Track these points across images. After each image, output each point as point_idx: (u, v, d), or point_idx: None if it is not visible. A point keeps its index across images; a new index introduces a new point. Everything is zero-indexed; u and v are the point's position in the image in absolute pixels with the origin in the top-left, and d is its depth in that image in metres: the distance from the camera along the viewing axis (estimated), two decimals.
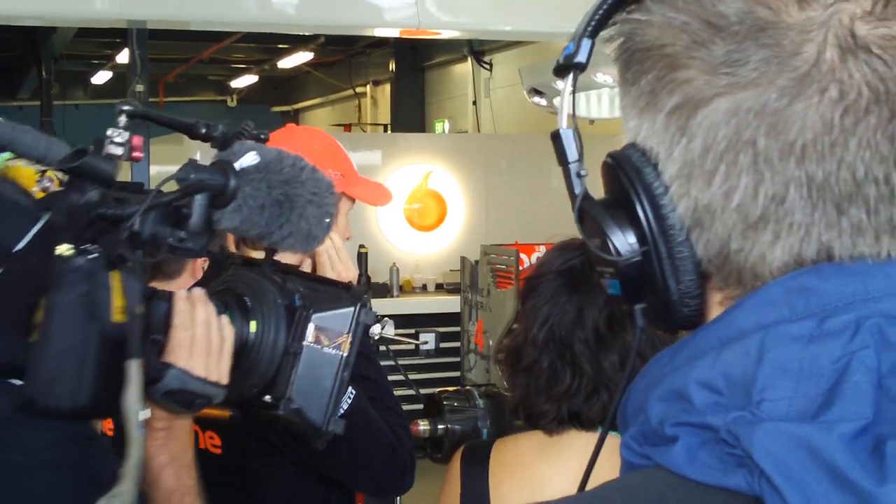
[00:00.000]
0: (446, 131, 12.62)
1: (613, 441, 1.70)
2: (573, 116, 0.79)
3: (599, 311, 1.71)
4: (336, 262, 2.24)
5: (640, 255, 0.71)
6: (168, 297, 1.48)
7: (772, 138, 0.63)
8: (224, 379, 1.48)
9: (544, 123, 10.01)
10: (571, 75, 0.79)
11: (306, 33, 10.91)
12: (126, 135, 1.34)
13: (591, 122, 7.07)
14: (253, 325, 1.51)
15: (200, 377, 1.45)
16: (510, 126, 11.03)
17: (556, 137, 0.78)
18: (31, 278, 1.32)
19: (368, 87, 15.48)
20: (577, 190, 0.78)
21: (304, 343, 1.51)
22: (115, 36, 11.25)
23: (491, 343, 6.87)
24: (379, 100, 15.38)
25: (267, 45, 13.94)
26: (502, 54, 11.27)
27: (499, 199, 9.39)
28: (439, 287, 9.00)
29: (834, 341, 0.60)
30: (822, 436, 0.55)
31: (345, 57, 14.75)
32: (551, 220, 9.23)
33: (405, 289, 8.80)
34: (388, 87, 14.64)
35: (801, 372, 0.59)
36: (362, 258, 7.19)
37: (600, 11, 0.77)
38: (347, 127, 15.18)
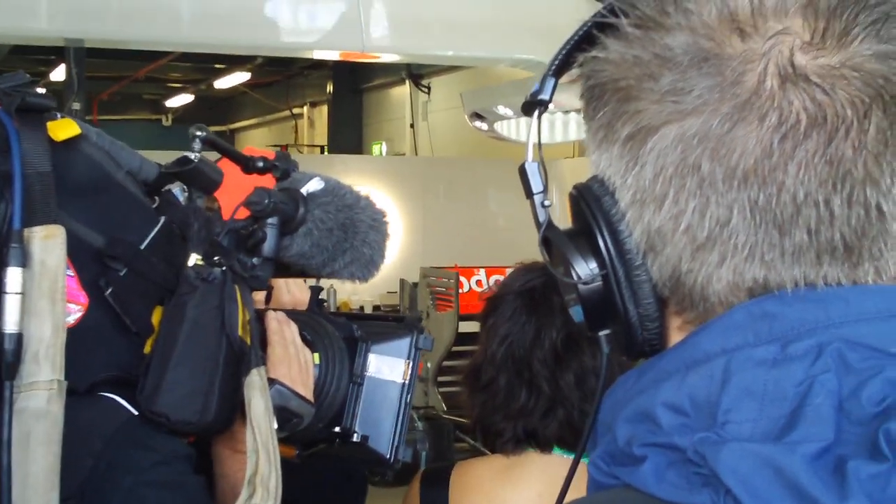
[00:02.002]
0: (384, 153, 12.63)
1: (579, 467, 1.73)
2: (539, 149, 0.81)
3: (557, 331, 1.72)
4: (291, 284, 2.24)
5: (600, 279, 0.73)
6: (258, 316, 1.44)
7: (715, 163, 0.65)
8: (313, 399, 1.45)
9: (482, 147, 10.06)
10: (537, 112, 0.81)
11: (247, 54, 10.85)
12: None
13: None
14: (316, 358, 1.50)
15: (300, 395, 1.42)
16: (448, 149, 11.07)
17: (522, 171, 0.80)
18: (150, 282, 1.30)
19: (305, 108, 15.45)
20: (542, 219, 0.79)
21: (366, 373, 1.51)
22: (49, 53, 11.12)
23: (429, 366, 6.86)
24: (316, 121, 15.35)
25: (203, 64, 13.85)
26: (441, 78, 11.31)
27: (437, 221, 9.41)
28: (377, 309, 8.98)
29: (797, 365, 0.62)
30: (786, 456, 0.57)
31: (282, 78, 14.70)
32: (489, 243, 9.30)
33: (342, 310, 8.74)
34: (325, 108, 14.62)
35: (766, 395, 0.61)
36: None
37: (563, 52, 0.79)
38: (284, 148, 15.08)
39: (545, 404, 1.71)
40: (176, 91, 16.31)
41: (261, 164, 1.44)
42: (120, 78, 14.38)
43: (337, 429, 1.51)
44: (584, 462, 1.73)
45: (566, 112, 6.98)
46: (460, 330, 6.32)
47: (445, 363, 6.46)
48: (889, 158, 0.65)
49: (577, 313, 0.78)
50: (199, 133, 1.35)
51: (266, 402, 1.27)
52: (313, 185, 1.44)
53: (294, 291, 2.21)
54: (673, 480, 0.62)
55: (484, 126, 7.77)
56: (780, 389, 0.61)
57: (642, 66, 0.69)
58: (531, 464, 1.76)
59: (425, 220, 9.49)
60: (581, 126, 7.49)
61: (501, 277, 6.00)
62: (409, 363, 1.53)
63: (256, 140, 17.42)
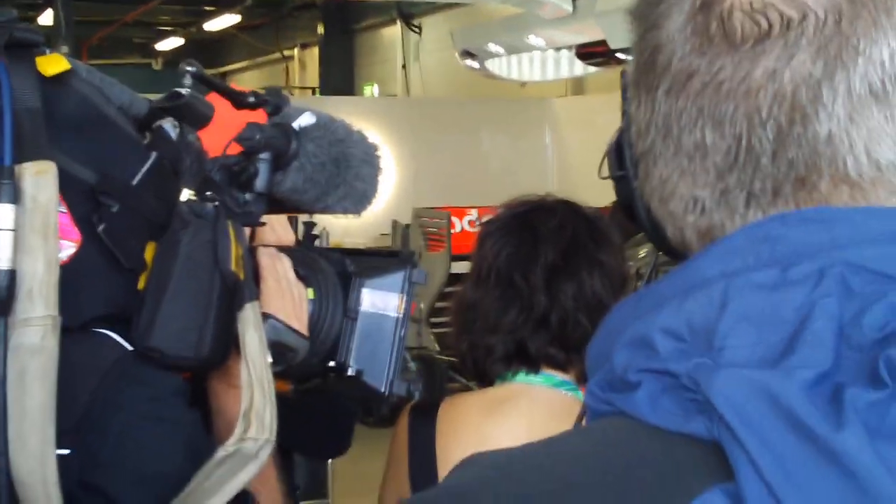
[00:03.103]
0: (375, 95, 12.58)
1: (564, 399, 1.75)
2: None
3: (554, 249, 1.76)
4: (275, 222, 2.25)
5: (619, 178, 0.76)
6: (251, 251, 1.44)
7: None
8: (307, 333, 1.46)
9: (475, 87, 10.04)
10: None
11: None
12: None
13: (523, 84, 7.12)
14: (310, 293, 1.50)
15: (293, 328, 1.43)
16: (440, 90, 11.03)
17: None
18: (142, 218, 1.30)
19: (296, 50, 15.36)
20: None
21: (360, 308, 1.52)
22: None
23: (422, 306, 6.89)
24: (307, 63, 15.26)
25: (193, 6, 13.75)
26: (431, 17, 11.24)
27: (429, 162, 9.40)
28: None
29: (797, 289, 0.60)
30: (781, 382, 0.55)
31: (272, 19, 14.59)
32: (481, 183, 9.29)
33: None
34: (316, 50, 14.53)
35: (763, 319, 0.60)
36: (292, 222, 7.14)
37: None
38: None
39: (538, 315, 1.75)
40: (166, 34, 16.19)
41: (252, 99, 1.44)
42: (109, 22, 14.27)
43: (332, 363, 1.51)
44: (576, 397, 1.76)
45: (558, 49, 6.97)
46: (452, 270, 6.35)
47: (438, 304, 6.49)
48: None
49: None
50: (189, 69, 1.35)
51: (260, 337, 1.28)
52: (305, 120, 1.44)
53: (278, 230, 2.22)
54: (667, 407, 0.60)
55: (475, 64, 7.76)
56: (779, 314, 0.59)
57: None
58: (518, 397, 1.78)
59: (417, 161, 9.47)
60: (573, 63, 7.46)
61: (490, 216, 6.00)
62: (402, 297, 1.54)
63: (248, 82, 17.32)
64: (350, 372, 1.51)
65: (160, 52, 17.26)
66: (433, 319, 6.86)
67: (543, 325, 1.75)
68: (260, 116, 1.46)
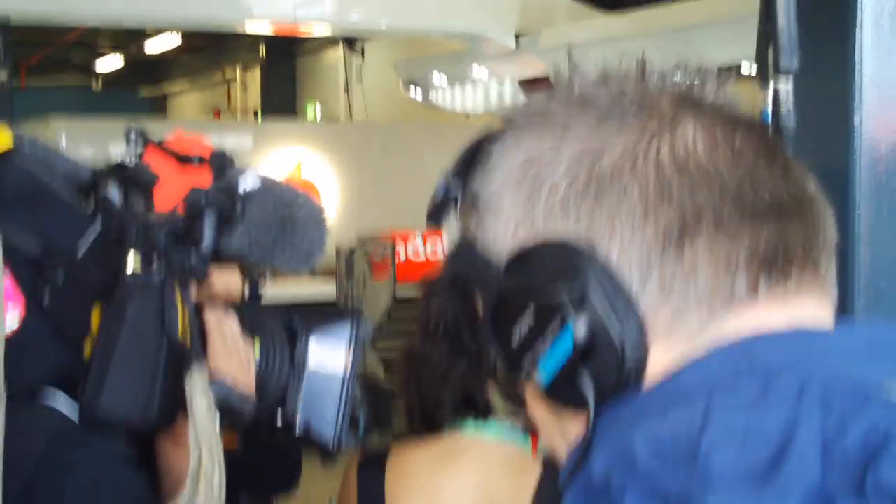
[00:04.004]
0: (318, 114, 12.55)
1: (512, 452, 1.77)
2: None
3: None
4: (225, 273, 2.25)
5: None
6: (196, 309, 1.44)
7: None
8: (253, 393, 1.46)
9: (419, 111, 10.06)
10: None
11: (174, 31, 10.69)
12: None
13: (467, 116, 7.16)
14: (256, 351, 1.50)
15: (240, 391, 1.43)
16: (383, 113, 11.03)
17: None
18: (87, 287, 1.31)
19: (238, 71, 15.28)
20: None
21: (307, 365, 1.53)
22: None
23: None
24: (249, 84, 15.18)
25: (133, 27, 13.63)
26: (375, 42, 11.25)
27: (372, 187, 9.40)
28: (311, 273, 8.95)
29: (779, 406, 0.61)
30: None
31: (213, 41, 14.51)
32: (426, 208, 9.22)
33: (276, 275, 8.69)
34: (258, 71, 14.47)
35: (747, 436, 0.60)
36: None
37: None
38: (217, 112, 14.96)
39: (487, 369, 1.77)
40: (105, 55, 16.02)
41: (197, 160, 1.46)
42: (48, 43, 14.11)
43: (279, 421, 1.52)
44: (524, 449, 1.77)
45: (501, 82, 7.01)
46: (398, 296, 6.37)
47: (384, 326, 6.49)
48: None
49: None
50: (133, 131, 1.36)
51: (208, 402, 1.29)
52: (250, 183, 1.45)
53: (226, 277, 2.23)
54: None
55: (419, 94, 7.78)
56: (763, 431, 0.60)
57: None
58: (468, 450, 1.79)
59: (361, 185, 9.47)
60: (517, 95, 7.48)
61: (435, 246, 5.98)
62: (350, 353, 1.55)
63: (189, 104, 17.21)
64: (298, 432, 1.52)
65: (100, 73, 17.08)
66: (379, 344, 6.86)
67: (493, 378, 1.77)
68: (205, 176, 1.48)
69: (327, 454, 1.55)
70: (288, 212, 1.45)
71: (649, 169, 0.70)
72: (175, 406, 1.32)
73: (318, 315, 1.59)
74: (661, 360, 0.68)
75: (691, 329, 0.68)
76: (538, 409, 0.79)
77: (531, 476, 1.76)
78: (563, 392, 0.71)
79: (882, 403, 0.60)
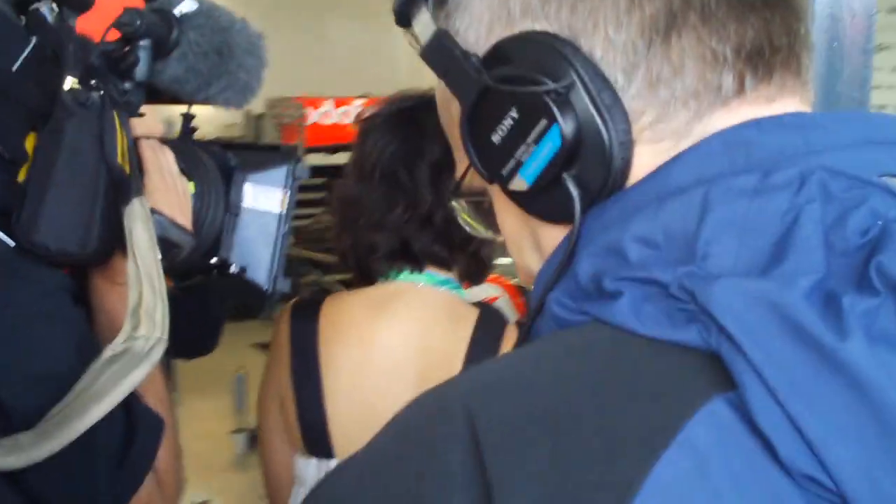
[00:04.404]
0: None
1: (448, 297, 1.75)
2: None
3: (439, 144, 1.73)
4: (147, 116, 2.17)
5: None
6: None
7: None
8: (191, 229, 1.40)
9: None
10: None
11: None
12: None
13: None
14: (191, 187, 1.44)
15: (179, 224, 1.36)
16: None
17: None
18: (22, 106, 1.23)
19: None
20: None
21: (242, 203, 1.47)
22: None
23: None
24: None
25: None
26: None
27: (276, 50, 9.20)
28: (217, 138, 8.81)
29: (780, 195, 0.59)
30: (783, 291, 0.55)
31: None
32: (331, 72, 9.16)
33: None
34: None
35: (747, 225, 0.59)
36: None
37: None
38: None
39: (423, 213, 1.74)
40: None
41: None
42: None
43: (214, 260, 1.48)
44: (458, 295, 1.76)
45: None
46: (308, 163, 6.29)
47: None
48: None
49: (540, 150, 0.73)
50: None
51: (149, 232, 1.23)
52: (186, 6, 1.37)
53: (148, 121, 2.15)
54: (651, 316, 0.59)
55: None
56: (763, 220, 0.59)
57: None
58: (404, 296, 1.78)
59: (268, 47, 9.28)
60: None
61: (349, 108, 5.92)
62: (286, 192, 1.50)
63: None
64: (233, 269, 1.48)
65: None
66: (333, 203, 6.81)
67: (428, 224, 1.74)
68: (137, 2, 1.40)
69: (262, 298, 1.52)
70: (225, 37, 1.38)
71: None
72: (114, 239, 1.26)
73: (254, 155, 1.54)
74: (645, 163, 0.66)
75: (678, 128, 0.66)
76: (510, 221, 0.76)
77: (466, 323, 1.76)
78: (543, 197, 0.69)
79: (881, 194, 0.60)
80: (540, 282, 0.71)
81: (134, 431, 1.27)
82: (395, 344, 1.75)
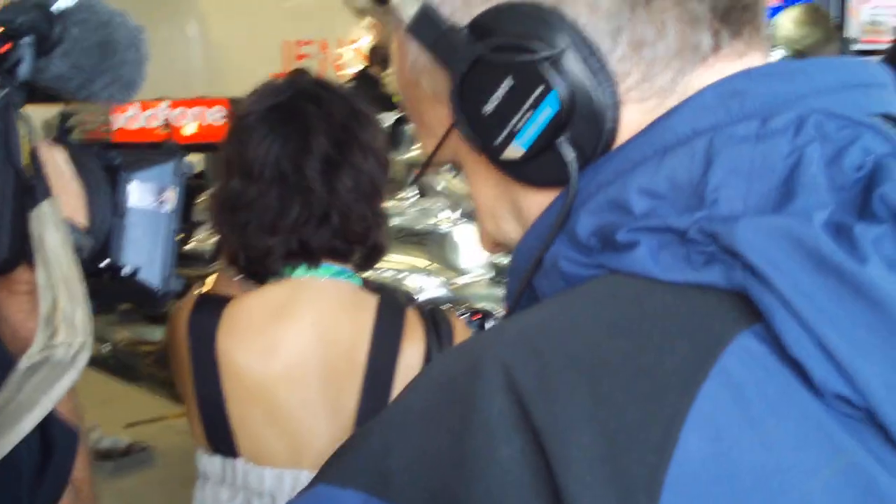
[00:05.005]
0: None
1: (345, 287, 1.75)
2: None
3: (326, 137, 1.70)
4: None
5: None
6: None
7: None
8: (88, 230, 1.34)
9: None
10: None
11: None
12: None
13: None
14: None
15: (81, 228, 1.31)
16: None
17: None
18: None
19: None
20: None
21: (129, 203, 1.42)
22: None
23: None
24: None
25: None
26: None
27: None
28: None
29: (780, 138, 0.63)
30: (803, 225, 0.58)
31: None
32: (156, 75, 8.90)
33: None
34: None
35: (753, 169, 0.62)
36: None
37: None
38: None
39: (320, 212, 1.70)
40: None
41: None
42: None
43: (104, 263, 1.44)
44: (355, 284, 1.77)
45: None
46: None
47: None
48: None
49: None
50: None
51: (62, 235, 1.20)
52: (66, 1, 1.34)
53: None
54: (670, 261, 0.62)
55: None
56: (769, 163, 0.62)
57: None
58: (302, 293, 1.75)
59: None
60: None
61: (155, 111, 5.74)
62: (174, 189, 1.48)
63: None
64: (125, 271, 1.45)
65: None
66: (212, 208, 6.60)
67: (325, 222, 1.71)
68: None
69: (155, 299, 1.49)
70: (106, 32, 1.35)
71: None
72: (24, 245, 1.22)
73: (137, 154, 1.51)
74: (633, 120, 0.69)
75: (663, 87, 0.69)
76: (486, 190, 0.77)
77: (367, 311, 1.75)
78: (534, 163, 0.71)
79: (871, 132, 0.64)
80: (527, 244, 0.73)
81: (50, 444, 1.23)
82: (298, 343, 1.73)
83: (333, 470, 0.61)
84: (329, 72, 10.16)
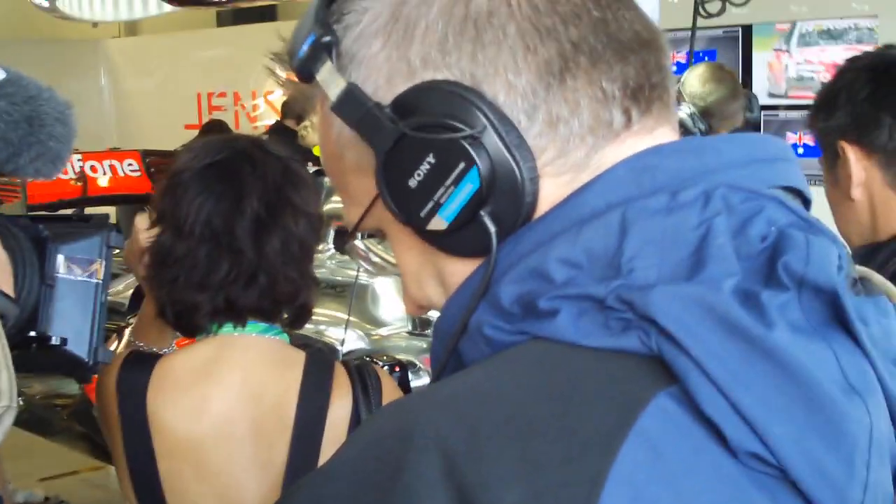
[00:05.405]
0: None
1: (272, 344, 1.77)
2: None
3: (258, 199, 1.71)
4: None
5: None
6: None
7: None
8: (14, 298, 1.35)
9: (18, 29, 9.53)
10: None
11: None
12: None
13: (95, 24, 6.86)
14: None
15: (5, 295, 1.32)
16: (3, 31, 10.30)
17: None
18: None
19: None
20: None
21: (57, 275, 1.43)
22: None
23: None
24: None
25: None
26: None
27: None
28: None
29: (689, 211, 0.66)
30: (714, 293, 0.61)
31: None
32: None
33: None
34: None
35: (665, 240, 0.65)
36: None
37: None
38: None
39: (248, 272, 1.71)
40: None
41: None
42: None
43: (33, 333, 1.45)
44: (283, 340, 1.79)
45: None
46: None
47: None
48: None
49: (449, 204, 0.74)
50: None
51: None
52: None
53: None
54: (589, 328, 0.64)
55: (45, 3, 7.33)
56: (680, 234, 0.65)
57: None
58: (229, 351, 1.76)
59: None
60: (146, 3, 7.22)
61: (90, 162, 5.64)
62: (101, 262, 1.49)
63: None
64: (53, 341, 1.45)
65: None
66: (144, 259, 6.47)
67: (253, 282, 1.72)
68: None
69: (83, 370, 1.50)
70: (34, 105, 1.37)
71: (523, 5, 0.72)
72: None
73: (65, 226, 1.52)
74: (549, 194, 0.71)
75: (577, 162, 0.72)
76: (410, 257, 0.79)
77: (294, 367, 1.77)
78: (457, 234, 0.73)
79: (774, 204, 0.68)
80: (451, 311, 0.75)
81: None
82: (226, 401, 1.73)
83: None
84: (243, 123, 10.15)
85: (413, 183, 0.72)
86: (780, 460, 0.58)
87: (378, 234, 0.83)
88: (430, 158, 0.71)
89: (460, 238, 0.73)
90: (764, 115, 5.58)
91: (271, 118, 8.97)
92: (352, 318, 3.63)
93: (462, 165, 0.70)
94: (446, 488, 0.57)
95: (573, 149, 0.72)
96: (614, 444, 0.58)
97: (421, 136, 0.71)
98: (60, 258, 1.46)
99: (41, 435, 5.08)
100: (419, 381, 3.31)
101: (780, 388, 0.59)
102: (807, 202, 0.74)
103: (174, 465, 1.73)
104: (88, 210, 6.32)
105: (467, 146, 0.70)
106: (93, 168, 6.63)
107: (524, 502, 0.56)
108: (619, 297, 0.64)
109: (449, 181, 0.71)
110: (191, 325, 1.78)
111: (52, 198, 6.27)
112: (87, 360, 1.46)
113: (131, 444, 1.73)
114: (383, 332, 3.72)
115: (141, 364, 1.78)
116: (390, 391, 1.82)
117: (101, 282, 1.49)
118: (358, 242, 3.66)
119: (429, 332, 3.66)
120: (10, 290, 1.39)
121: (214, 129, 7.51)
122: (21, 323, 1.42)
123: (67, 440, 5.28)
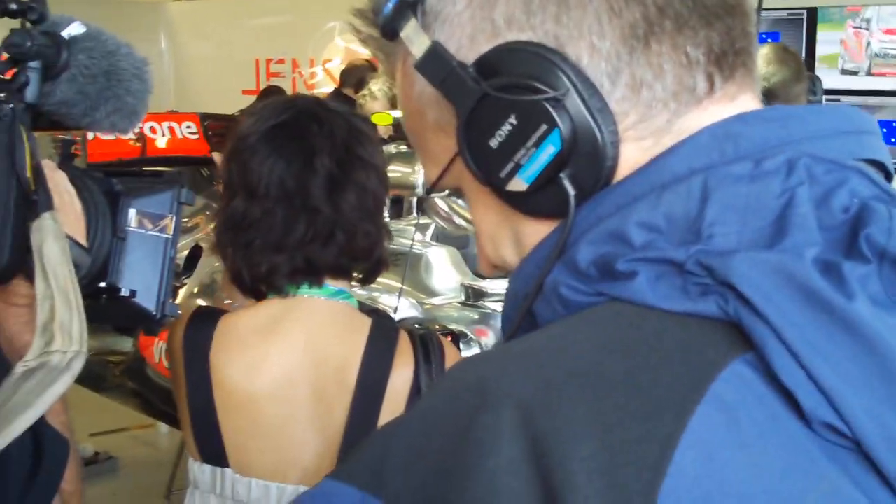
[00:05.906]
0: None
1: (339, 307, 1.79)
2: None
3: (329, 156, 1.73)
4: None
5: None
6: None
7: None
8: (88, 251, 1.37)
9: None
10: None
11: None
12: None
13: None
14: None
15: (78, 243, 1.33)
16: None
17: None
18: None
19: None
20: None
21: (129, 228, 1.46)
22: None
23: None
24: None
25: None
26: None
27: None
28: None
29: (772, 179, 0.66)
30: (795, 261, 0.61)
31: None
32: None
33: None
34: None
35: (748, 207, 0.66)
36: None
37: None
38: None
39: (326, 230, 1.73)
40: None
41: (14, 6, 1.37)
42: None
43: (103, 284, 1.48)
44: (349, 304, 1.80)
45: None
46: None
47: None
48: None
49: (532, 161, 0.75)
50: None
51: (62, 246, 1.22)
52: (75, 29, 1.38)
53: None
54: (667, 291, 0.64)
55: None
56: (761, 202, 0.66)
57: None
58: (296, 311, 1.78)
59: None
60: None
61: (150, 123, 5.70)
62: (172, 217, 1.51)
63: None
64: (122, 293, 1.48)
65: None
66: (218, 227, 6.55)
67: (331, 240, 1.74)
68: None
69: (150, 323, 1.53)
70: (112, 61, 1.39)
71: None
72: (24, 256, 1.26)
73: (138, 181, 1.54)
74: (630, 158, 0.72)
75: (659, 127, 0.72)
76: (489, 217, 0.80)
77: (359, 332, 1.78)
78: (536, 195, 0.74)
79: (858, 176, 0.69)
80: (526, 271, 0.76)
81: (41, 453, 1.27)
82: (287, 361, 1.76)
83: (342, 468, 0.66)
84: (300, 90, 10.18)
85: (494, 143, 0.73)
86: (854, 432, 0.58)
87: (455, 193, 0.84)
88: (512, 119, 0.72)
89: (538, 199, 0.74)
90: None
91: (328, 86, 8.98)
92: (405, 287, 3.64)
93: (544, 127, 0.71)
94: (520, 438, 0.58)
95: (656, 114, 0.72)
96: (689, 406, 0.59)
97: (504, 97, 0.72)
98: (132, 212, 1.48)
99: (93, 390, 5.15)
100: (469, 350, 3.32)
101: (858, 360, 0.59)
102: (889, 176, 0.74)
103: (233, 420, 1.76)
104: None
105: (550, 108, 0.71)
106: (152, 129, 6.66)
107: (597, 456, 0.57)
108: (699, 261, 0.64)
109: (530, 143, 0.72)
110: (268, 288, 1.79)
111: (111, 157, 6.32)
112: (154, 313, 1.48)
113: (194, 398, 1.76)
114: (436, 301, 3.73)
115: (206, 320, 1.81)
116: (454, 361, 1.83)
117: (170, 237, 1.50)
118: (439, 201, 3.67)
119: (481, 303, 3.67)
120: (83, 241, 1.41)
121: (272, 95, 7.54)
122: (93, 273, 1.44)
123: (119, 396, 5.34)
